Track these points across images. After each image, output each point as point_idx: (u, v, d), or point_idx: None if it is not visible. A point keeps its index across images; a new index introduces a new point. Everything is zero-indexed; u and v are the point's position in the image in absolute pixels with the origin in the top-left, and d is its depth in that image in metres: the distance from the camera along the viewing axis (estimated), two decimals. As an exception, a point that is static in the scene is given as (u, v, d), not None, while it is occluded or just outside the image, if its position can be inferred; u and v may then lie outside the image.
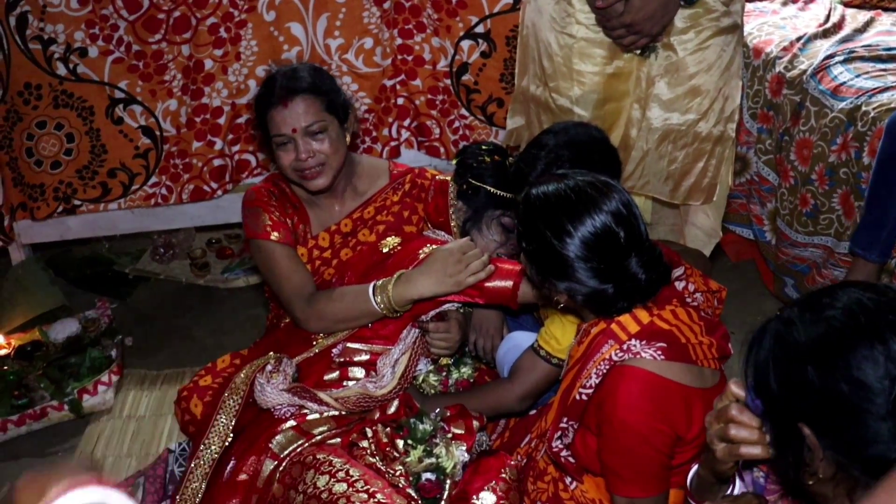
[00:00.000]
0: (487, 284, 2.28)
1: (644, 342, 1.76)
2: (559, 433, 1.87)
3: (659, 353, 1.74)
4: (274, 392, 2.24)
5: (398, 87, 3.39)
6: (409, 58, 3.34)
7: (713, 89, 2.52)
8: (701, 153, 2.59)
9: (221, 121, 3.33)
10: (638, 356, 1.75)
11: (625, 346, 1.77)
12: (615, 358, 1.77)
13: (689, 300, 1.91)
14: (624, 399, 1.73)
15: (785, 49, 3.26)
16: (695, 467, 1.66)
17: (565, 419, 1.86)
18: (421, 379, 2.38)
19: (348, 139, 2.48)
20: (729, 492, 1.58)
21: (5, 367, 2.90)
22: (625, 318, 1.81)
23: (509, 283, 2.27)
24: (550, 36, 2.56)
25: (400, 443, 2.13)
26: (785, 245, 3.14)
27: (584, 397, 1.81)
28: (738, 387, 1.41)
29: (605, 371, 1.78)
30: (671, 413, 1.73)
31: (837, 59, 3.09)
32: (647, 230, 1.84)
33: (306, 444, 2.15)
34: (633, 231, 1.79)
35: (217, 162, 3.40)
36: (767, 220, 3.32)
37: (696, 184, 2.62)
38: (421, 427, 2.14)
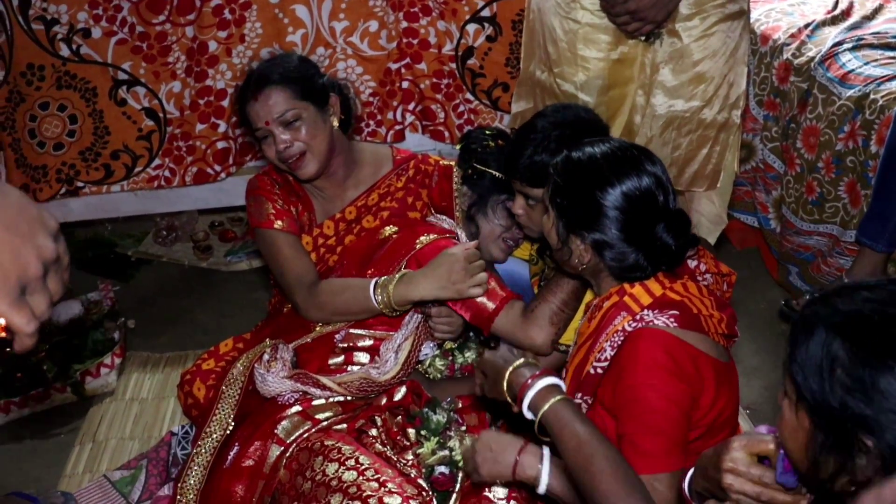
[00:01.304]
0: (477, 298, 2.27)
1: (657, 311, 1.77)
2: None
3: (672, 320, 1.75)
4: (275, 380, 2.24)
5: (403, 70, 3.37)
6: (415, 41, 3.32)
7: (718, 76, 2.51)
8: (705, 140, 2.58)
9: (225, 103, 3.32)
10: (651, 324, 1.75)
11: (637, 317, 1.77)
12: (628, 328, 1.77)
13: (700, 279, 1.92)
14: (645, 358, 1.71)
15: (793, 36, 3.24)
16: (690, 472, 1.63)
17: (579, 394, 1.85)
18: (427, 363, 2.38)
19: (335, 123, 2.44)
20: None
21: (8, 349, 2.89)
22: (637, 291, 1.81)
23: (492, 306, 2.25)
24: (555, 21, 2.55)
25: (412, 432, 2.12)
26: (790, 233, 3.14)
27: (598, 370, 1.81)
28: (755, 449, 1.41)
29: (619, 342, 1.78)
30: (690, 373, 1.72)
31: (846, 46, 3.08)
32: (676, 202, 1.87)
33: (313, 430, 2.15)
34: (668, 198, 1.82)
35: (220, 144, 3.39)
36: (772, 208, 3.31)
37: (700, 171, 2.61)
38: (434, 418, 2.14)
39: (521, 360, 1.72)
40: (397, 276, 2.28)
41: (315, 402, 2.23)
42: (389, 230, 2.47)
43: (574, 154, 1.88)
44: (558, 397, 1.61)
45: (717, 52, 2.48)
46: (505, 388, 1.71)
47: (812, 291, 1.33)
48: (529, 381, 1.65)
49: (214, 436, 2.23)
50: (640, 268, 1.82)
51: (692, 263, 1.95)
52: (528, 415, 1.64)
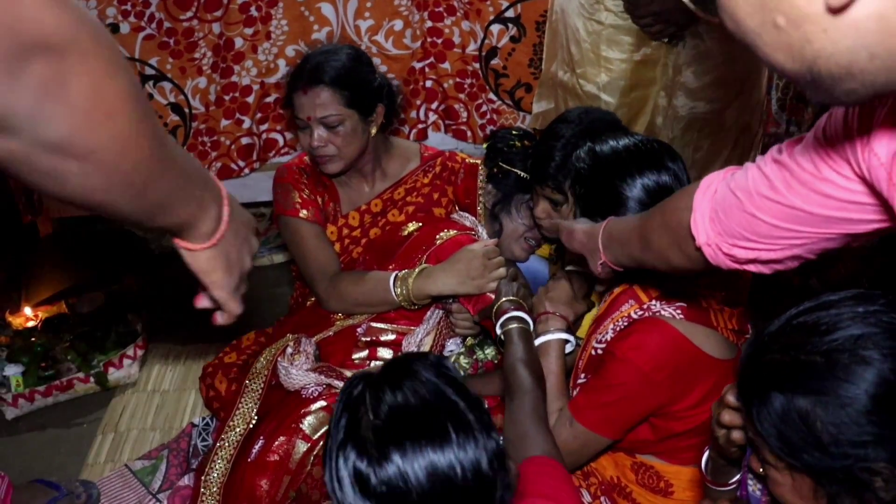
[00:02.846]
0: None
1: (664, 302, 1.79)
2: (577, 389, 1.92)
3: (679, 311, 1.77)
4: (300, 374, 2.26)
5: (427, 69, 3.39)
6: (439, 41, 3.34)
7: (739, 79, 2.51)
8: (726, 142, 2.58)
9: (250, 99, 3.35)
10: (658, 314, 1.78)
11: (645, 306, 1.80)
12: (634, 316, 1.80)
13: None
14: (637, 339, 1.77)
15: (817, 40, 3.22)
16: (707, 451, 1.66)
17: (583, 374, 1.92)
18: (452, 360, 2.40)
19: (373, 131, 2.46)
20: (735, 479, 1.58)
21: (33, 339, 2.93)
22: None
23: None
24: (579, 22, 2.56)
25: None
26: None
27: (598, 351, 1.86)
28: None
29: (622, 327, 1.81)
30: (675, 373, 1.75)
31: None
32: None
33: None
34: None
35: (245, 140, 3.42)
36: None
37: None
38: None
39: (510, 296, 2.12)
40: (417, 270, 2.31)
41: None
42: (413, 226, 2.49)
43: (598, 146, 1.91)
44: (518, 325, 2.01)
45: (739, 55, 2.48)
46: (493, 310, 2.11)
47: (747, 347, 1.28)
48: (510, 310, 2.05)
49: (238, 429, 2.25)
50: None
51: None
52: (498, 330, 2.05)
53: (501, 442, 1.27)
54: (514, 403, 1.81)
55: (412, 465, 1.17)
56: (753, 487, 1.53)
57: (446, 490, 1.18)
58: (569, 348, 2.03)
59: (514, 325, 2.02)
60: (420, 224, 2.51)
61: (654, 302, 1.81)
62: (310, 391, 2.25)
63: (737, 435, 1.41)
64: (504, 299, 2.11)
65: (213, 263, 1.16)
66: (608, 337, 1.84)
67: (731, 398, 1.40)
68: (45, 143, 0.78)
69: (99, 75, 0.80)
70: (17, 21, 0.72)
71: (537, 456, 1.63)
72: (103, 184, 0.87)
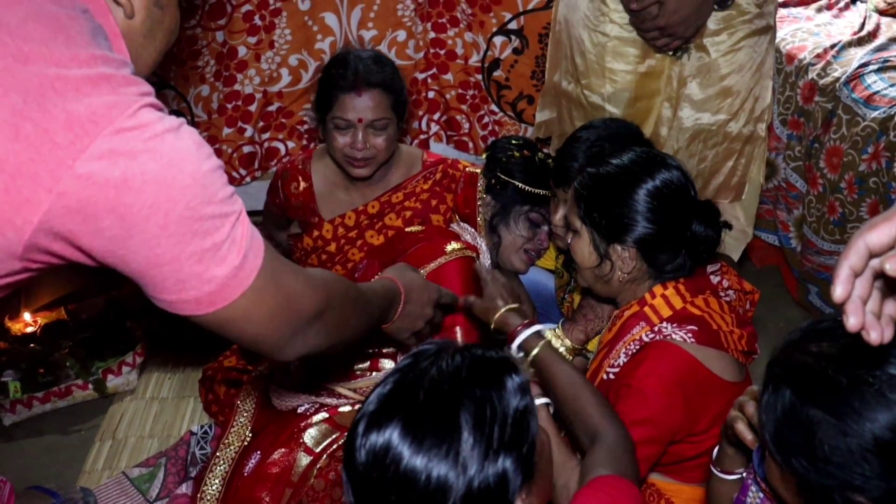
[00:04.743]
0: None
1: (675, 325, 1.78)
2: None
3: (690, 335, 1.76)
4: (290, 394, 2.26)
5: (429, 80, 3.40)
6: (442, 52, 3.35)
7: (744, 90, 2.53)
8: (731, 152, 2.60)
9: (252, 108, 3.35)
10: (669, 338, 1.76)
11: (656, 329, 1.79)
12: (646, 339, 1.79)
13: (722, 295, 1.92)
14: (650, 366, 1.75)
15: (818, 56, 3.24)
16: (716, 450, 1.66)
17: None
18: None
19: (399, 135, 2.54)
20: (740, 471, 1.58)
21: (32, 345, 2.92)
22: (658, 303, 1.83)
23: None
24: (584, 33, 2.56)
25: None
26: (810, 252, 3.13)
27: (611, 376, 1.83)
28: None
29: (634, 351, 1.79)
30: (692, 394, 1.74)
31: (871, 67, 3.07)
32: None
33: (342, 440, 2.16)
34: (696, 191, 1.88)
35: (247, 149, 3.42)
36: (793, 227, 3.30)
37: (725, 182, 2.63)
38: None
39: (508, 306, 2.03)
40: None
41: (342, 409, 2.24)
42: (414, 229, 2.49)
43: (596, 169, 1.90)
44: (544, 342, 1.88)
45: (744, 67, 2.49)
46: (493, 326, 2.03)
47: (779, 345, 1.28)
48: (519, 328, 1.94)
49: (233, 447, 2.25)
50: (680, 264, 1.86)
51: (714, 279, 1.96)
52: (519, 354, 1.88)
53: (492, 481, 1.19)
54: (597, 444, 1.62)
55: (399, 445, 1.17)
56: (753, 498, 1.53)
57: (403, 486, 1.17)
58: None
59: (536, 346, 1.88)
60: (421, 228, 2.51)
61: (664, 324, 1.80)
62: (304, 408, 2.24)
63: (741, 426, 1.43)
64: (498, 315, 2.02)
65: (393, 331, 1.94)
66: (620, 362, 1.82)
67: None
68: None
69: (343, 313, 1.55)
70: (298, 306, 1.40)
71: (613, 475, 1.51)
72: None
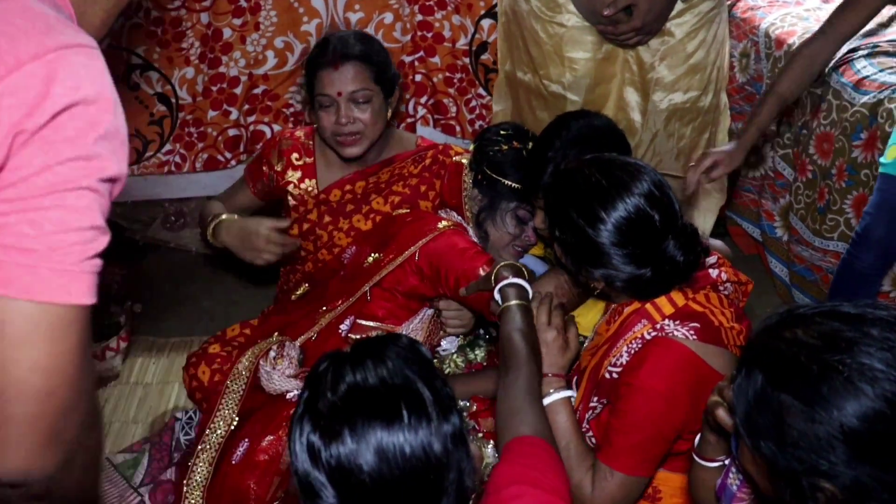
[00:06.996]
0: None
1: (678, 322, 1.77)
2: (589, 412, 1.88)
3: (692, 332, 1.74)
4: (281, 378, 2.24)
5: (416, 63, 3.37)
6: (429, 35, 3.32)
7: (710, 64, 2.68)
8: (705, 125, 2.72)
9: (238, 91, 3.32)
10: (671, 335, 1.75)
11: (658, 326, 1.77)
12: (647, 337, 1.77)
13: (721, 288, 1.91)
14: (653, 364, 1.73)
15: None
16: (698, 437, 1.66)
17: (595, 398, 1.86)
18: (446, 360, 2.37)
19: (389, 113, 2.52)
20: (721, 459, 1.59)
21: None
22: (660, 300, 1.81)
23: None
24: (537, 25, 2.59)
25: None
26: (794, 241, 3.12)
27: (613, 375, 1.81)
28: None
29: (636, 349, 1.78)
30: (695, 391, 1.72)
31: (861, 52, 3.06)
32: (681, 209, 1.82)
33: None
34: (667, 212, 1.76)
35: (232, 132, 3.39)
36: (779, 217, 3.29)
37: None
38: None
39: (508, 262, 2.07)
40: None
41: None
42: (402, 212, 2.48)
43: (561, 182, 1.86)
44: (517, 297, 1.94)
45: (706, 41, 2.62)
46: (492, 277, 2.03)
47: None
48: (508, 277, 1.99)
49: (219, 432, 2.23)
50: (654, 285, 1.80)
51: (713, 273, 1.93)
52: (496, 295, 1.98)
53: (460, 425, 1.28)
54: (508, 377, 1.76)
55: (361, 442, 1.21)
56: (734, 479, 1.54)
57: (395, 469, 1.22)
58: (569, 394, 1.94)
59: (512, 293, 1.96)
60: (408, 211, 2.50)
61: (666, 321, 1.78)
62: (293, 395, 2.22)
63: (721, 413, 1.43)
64: (502, 264, 2.05)
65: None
66: (622, 360, 1.80)
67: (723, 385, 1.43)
68: None
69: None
70: None
71: (527, 436, 1.61)
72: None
